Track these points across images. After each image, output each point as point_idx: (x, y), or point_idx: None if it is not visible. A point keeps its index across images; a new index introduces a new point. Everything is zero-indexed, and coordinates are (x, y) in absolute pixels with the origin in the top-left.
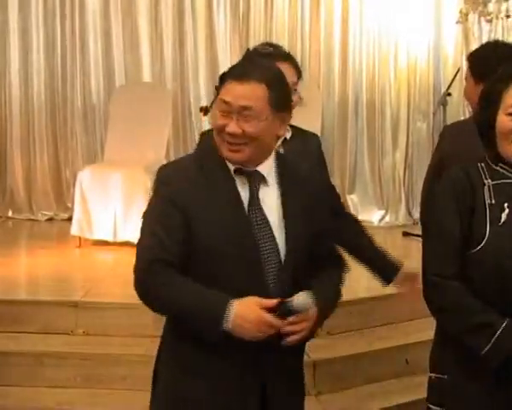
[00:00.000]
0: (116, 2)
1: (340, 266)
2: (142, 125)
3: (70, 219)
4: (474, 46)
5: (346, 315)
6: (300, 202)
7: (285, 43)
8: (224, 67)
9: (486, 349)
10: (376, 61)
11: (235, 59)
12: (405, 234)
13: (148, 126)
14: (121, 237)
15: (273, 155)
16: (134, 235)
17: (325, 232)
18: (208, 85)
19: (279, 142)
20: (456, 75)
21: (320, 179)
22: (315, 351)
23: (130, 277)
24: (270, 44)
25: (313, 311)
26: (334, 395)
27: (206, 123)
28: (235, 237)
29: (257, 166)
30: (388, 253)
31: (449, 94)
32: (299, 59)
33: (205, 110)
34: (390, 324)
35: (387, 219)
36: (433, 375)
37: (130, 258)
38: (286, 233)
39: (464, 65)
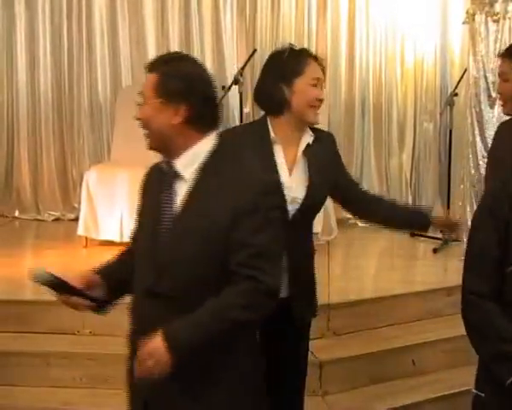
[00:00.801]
0: (123, 1)
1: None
2: None
3: (76, 219)
4: (481, 46)
5: (353, 315)
6: (199, 204)
7: (292, 42)
8: (230, 67)
9: (509, 381)
10: (383, 61)
11: (242, 59)
12: (413, 235)
13: None
14: (128, 238)
15: (203, 152)
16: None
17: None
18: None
19: (302, 147)
20: (462, 76)
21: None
22: (321, 351)
23: None
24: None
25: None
26: (340, 396)
27: None
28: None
29: (173, 158)
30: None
31: (455, 94)
32: None
33: None
34: (396, 324)
35: None
36: (474, 391)
37: None
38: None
39: (471, 66)
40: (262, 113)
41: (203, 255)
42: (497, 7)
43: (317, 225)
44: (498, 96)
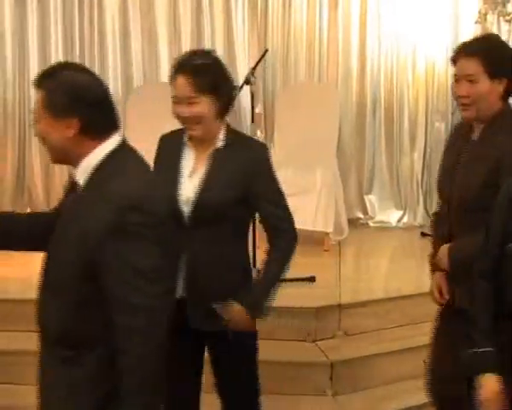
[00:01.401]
0: (134, 1)
1: None
2: (160, 125)
3: None
4: None
5: (364, 316)
6: (78, 220)
7: (303, 42)
8: (241, 66)
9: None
10: (394, 60)
11: (253, 58)
12: (423, 234)
13: (165, 126)
14: None
15: (97, 158)
16: None
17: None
18: None
19: (209, 151)
20: None
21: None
22: (332, 352)
23: None
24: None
25: None
26: (351, 396)
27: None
28: None
29: (76, 168)
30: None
31: None
32: (317, 58)
33: None
34: (407, 324)
35: (405, 219)
36: None
37: None
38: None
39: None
40: (273, 112)
41: (71, 264)
42: (510, 7)
43: (328, 224)
44: (460, 99)
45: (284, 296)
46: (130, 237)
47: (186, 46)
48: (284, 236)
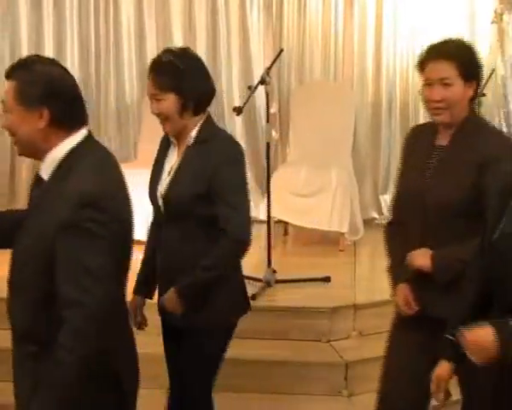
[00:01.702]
0: (150, 1)
1: None
2: None
3: None
4: (510, 46)
5: (379, 316)
6: (38, 212)
7: (318, 42)
8: (257, 66)
9: None
10: (410, 61)
11: (269, 58)
12: None
13: None
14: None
15: (62, 152)
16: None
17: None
18: (241, 85)
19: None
20: (490, 76)
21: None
22: (347, 352)
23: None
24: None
25: None
26: (366, 396)
27: (239, 123)
28: None
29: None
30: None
31: (483, 95)
32: (332, 58)
33: (238, 110)
34: None
35: None
36: None
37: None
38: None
39: (499, 66)
40: (288, 112)
41: (32, 260)
42: None
43: (344, 225)
44: (433, 103)
45: (299, 296)
46: (80, 233)
47: (201, 47)
48: (224, 238)
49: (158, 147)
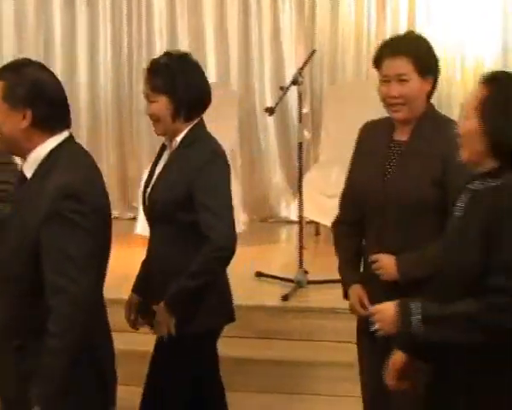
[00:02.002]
0: (182, 1)
1: None
2: (208, 125)
3: (135, 218)
4: None
5: None
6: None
7: (351, 42)
8: (289, 66)
9: None
10: (442, 59)
11: (301, 58)
12: None
13: (213, 127)
14: None
15: (43, 153)
16: None
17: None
18: (273, 85)
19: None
20: None
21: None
22: None
23: None
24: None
25: None
26: None
27: (271, 123)
28: None
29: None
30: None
31: None
32: (364, 58)
33: (270, 111)
34: None
35: None
36: None
37: None
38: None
39: None
40: (320, 112)
41: (16, 256)
42: None
43: None
44: (391, 99)
45: (332, 297)
46: (64, 222)
47: (233, 46)
48: (207, 245)
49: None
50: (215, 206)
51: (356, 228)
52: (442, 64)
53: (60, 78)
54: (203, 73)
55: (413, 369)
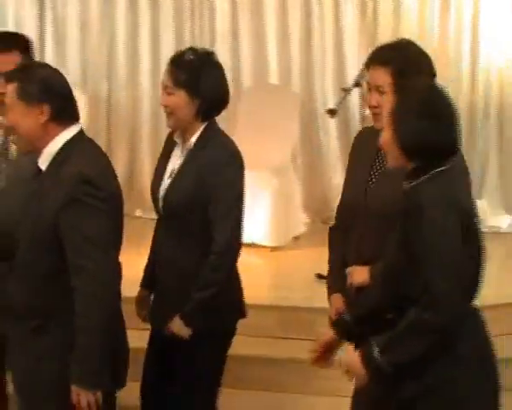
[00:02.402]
0: (244, 3)
1: None
2: (269, 127)
3: None
4: None
5: None
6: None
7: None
8: (351, 67)
9: None
10: (510, 61)
11: (363, 59)
12: None
13: (275, 129)
14: (246, 239)
15: (58, 145)
16: (258, 237)
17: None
18: (335, 86)
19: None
20: None
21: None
22: None
23: (254, 278)
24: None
25: None
26: None
27: (333, 124)
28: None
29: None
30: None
31: None
32: None
33: (332, 112)
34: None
35: None
36: None
37: (253, 260)
38: None
39: None
40: None
41: (35, 242)
42: None
43: None
44: (370, 108)
45: None
46: (82, 206)
47: (295, 48)
48: (213, 250)
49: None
50: (224, 207)
51: (346, 236)
52: (509, 67)
53: (123, 81)
54: (224, 74)
55: (337, 347)
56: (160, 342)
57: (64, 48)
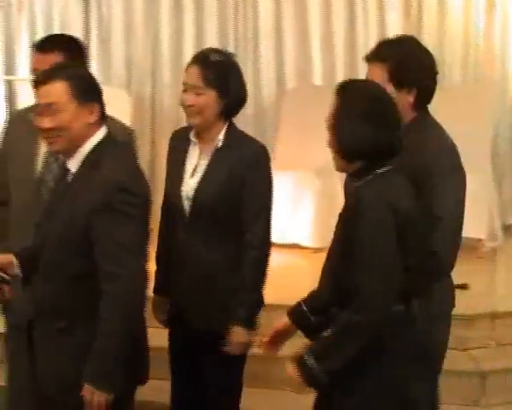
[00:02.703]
0: (288, 3)
1: None
2: (313, 128)
3: None
4: None
5: None
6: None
7: (458, 43)
8: None
9: None
10: None
11: None
12: None
13: (318, 129)
14: (289, 240)
15: (88, 146)
16: (301, 238)
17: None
18: None
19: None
20: None
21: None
22: (484, 361)
23: (296, 279)
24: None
25: None
26: (504, 408)
27: None
28: None
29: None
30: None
31: None
32: (472, 59)
33: None
34: None
35: None
36: None
37: (296, 261)
38: None
39: None
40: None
41: (64, 243)
42: None
43: (481, 230)
44: None
45: None
46: (116, 213)
47: (339, 49)
48: (253, 245)
49: (168, 147)
50: (258, 206)
51: None
52: None
53: (167, 81)
54: (243, 75)
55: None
56: (183, 342)
57: (109, 48)
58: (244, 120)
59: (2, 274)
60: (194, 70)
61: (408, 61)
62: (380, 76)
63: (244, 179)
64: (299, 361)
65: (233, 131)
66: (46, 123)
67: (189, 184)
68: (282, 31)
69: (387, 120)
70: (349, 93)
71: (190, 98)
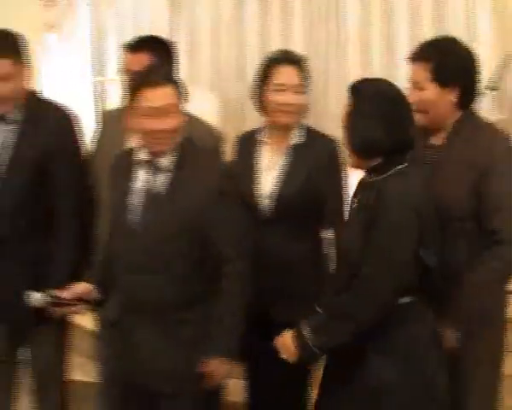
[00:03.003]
0: (376, 10)
1: None
2: None
3: None
4: None
5: None
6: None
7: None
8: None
9: None
10: None
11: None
12: None
13: None
14: None
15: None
16: None
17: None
18: None
19: (286, 147)
20: None
21: None
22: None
23: None
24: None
25: None
26: None
27: None
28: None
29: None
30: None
31: None
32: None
33: None
34: None
35: None
36: None
37: None
38: None
39: None
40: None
41: (180, 234)
42: None
43: None
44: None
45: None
46: (229, 199)
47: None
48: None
49: (234, 149)
50: (339, 204)
51: None
52: None
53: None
54: None
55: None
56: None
57: (197, 51)
58: (326, 123)
59: (86, 304)
60: (293, 69)
61: (450, 60)
62: (423, 76)
63: (324, 176)
64: (297, 328)
65: (306, 128)
66: (167, 124)
67: (267, 183)
68: (369, 36)
69: (400, 119)
70: (362, 93)
71: (291, 97)
